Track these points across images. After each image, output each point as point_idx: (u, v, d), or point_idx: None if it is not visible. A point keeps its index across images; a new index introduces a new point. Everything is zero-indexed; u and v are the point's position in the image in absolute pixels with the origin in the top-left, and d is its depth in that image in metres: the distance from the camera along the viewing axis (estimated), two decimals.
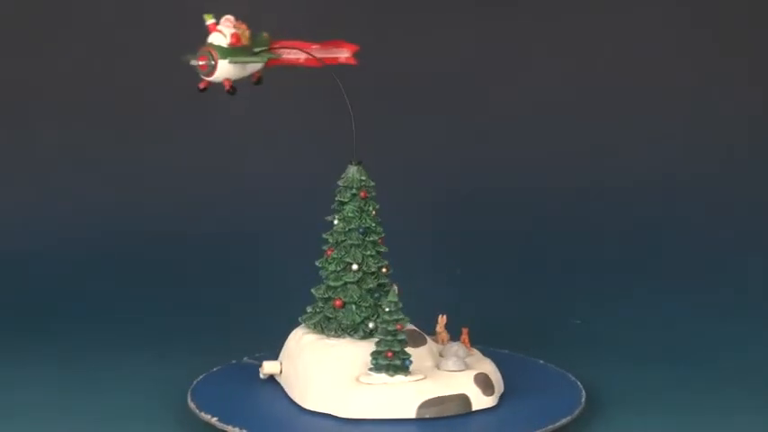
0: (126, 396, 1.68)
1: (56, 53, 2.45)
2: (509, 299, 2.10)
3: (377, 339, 1.52)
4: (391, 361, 1.51)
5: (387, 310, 1.51)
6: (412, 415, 1.50)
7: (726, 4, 2.48)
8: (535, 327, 2.00)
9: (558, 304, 2.13)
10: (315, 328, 1.60)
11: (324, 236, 1.61)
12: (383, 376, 1.51)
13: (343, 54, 1.60)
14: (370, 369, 1.52)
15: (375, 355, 1.52)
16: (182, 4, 2.48)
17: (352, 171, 1.61)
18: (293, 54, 1.60)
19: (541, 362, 1.73)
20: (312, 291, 1.61)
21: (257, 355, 1.70)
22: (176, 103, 2.43)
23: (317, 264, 1.61)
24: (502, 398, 1.57)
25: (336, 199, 1.61)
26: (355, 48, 1.60)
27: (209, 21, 1.55)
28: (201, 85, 1.58)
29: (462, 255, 2.20)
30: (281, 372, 1.61)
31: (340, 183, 1.61)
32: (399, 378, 1.52)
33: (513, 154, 2.43)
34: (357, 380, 1.52)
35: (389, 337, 1.51)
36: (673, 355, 1.88)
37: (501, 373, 1.60)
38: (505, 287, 2.15)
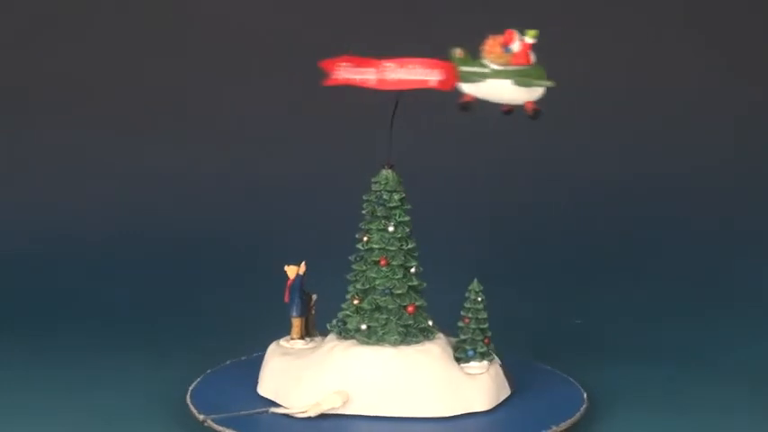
0: (126, 396, 1.68)
1: (56, 53, 2.45)
2: (509, 299, 2.10)
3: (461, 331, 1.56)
4: (488, 347, 1.56)
5: (480, 300, 1.56)
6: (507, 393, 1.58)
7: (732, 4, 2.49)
8: (535, 327, 2.01)
9: (558, 305, 2.14)
10: (372, 338, 1.55)
11: (373, 245, 1.55)
12: (483, 364, 1.56)
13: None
14: (461, 359, 1.55)
15: (471, 344, 1.55)
16: (182, 4, 2.49)
17: (390, 175, 1.57)
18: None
19: (548, 367, 1.73)
20: (365, 305, 1.56)
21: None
22: (176, 103, 2.43)
23: (372, 275, 1.55)
24: (504, 400, 1.57)
25: (387, 205, 1.56)
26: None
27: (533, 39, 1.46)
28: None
29: (462, 255, 2.20)
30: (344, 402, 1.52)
31: (380, 187, 1.56)
32: (476, 364, 1.57)
33: (513, 154, 2.44)
34: (465, 373, 1.55)
35: (482, 326, 1.56)
36: (672, 356, 1.89)
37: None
38: (505, 287, 2.15)
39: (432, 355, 1.54)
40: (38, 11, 2.45)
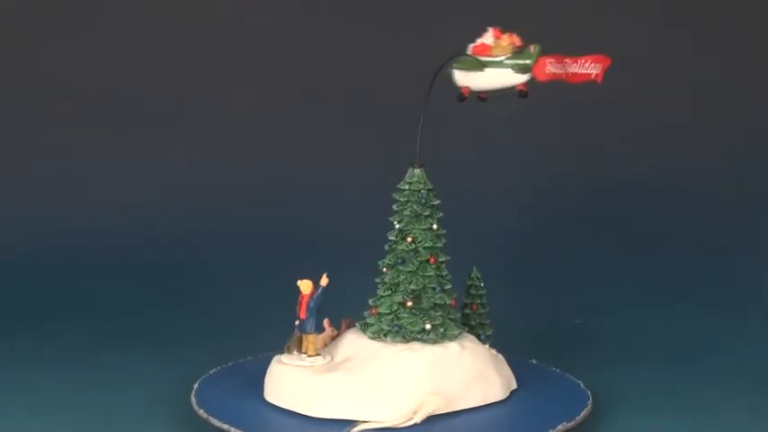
0: (126, 396, 1.68)
1: (56, 53, 2.45)
2: (509, 299, 2.10)
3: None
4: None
5: (482, 286, 1.64)
6: None
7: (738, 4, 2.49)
8: (535, 327, 2.01)
9: (558, 305, 2.14)
10: (438, 336, 1.55)
11: (420, 245, 1.54)
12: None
13: (595, 70, 1.56)
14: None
15: (481, 329, 1.62)
16: (182, 5, 2.49)
17: (421, 174, 1.56)
18: (554, 68, 1.56)
19: (556, 369, 1.73)
20: (424, 304, 1.54)
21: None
22: (177, 102, 2.43)
23: (423, 275, 1.54)
24: (507, 401, 1.57)
25: (431, 204, 1.55)
26: (608, 61, 1.56)
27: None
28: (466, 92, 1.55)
29: (462, 255, 2.20)
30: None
31: (419, 187, 1.55)
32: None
33: (513, 153, 2.44)
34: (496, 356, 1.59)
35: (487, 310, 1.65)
36: (673, 356, 1.89)
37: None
38: (505, 288, 2.15)
39: (481, 344, 1.59)
40: (38, 11, 2.45)
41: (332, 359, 1.56)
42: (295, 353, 1.56)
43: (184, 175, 2.43)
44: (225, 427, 1.47)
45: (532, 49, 1.54)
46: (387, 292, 1.56)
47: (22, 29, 2.44)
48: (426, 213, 1.55)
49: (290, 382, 1.52)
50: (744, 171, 2.45)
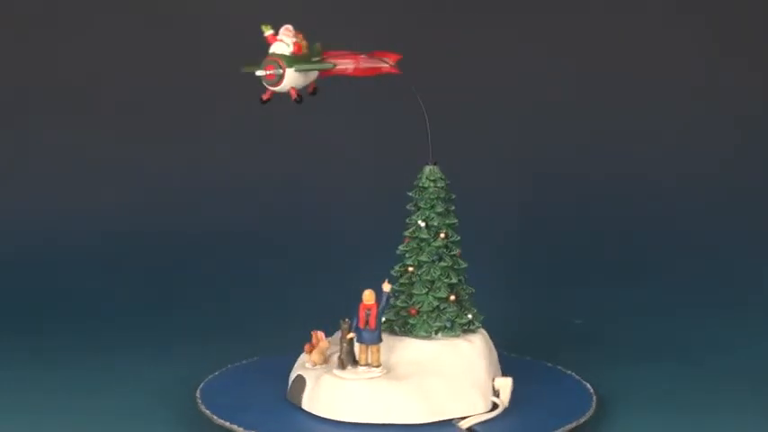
0: (127, 397, 1.68)
1: (56, 53, 2.45)
2: (508, 300, 2.10)
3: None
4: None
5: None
6: None
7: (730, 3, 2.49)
8: (535, 328, 2.00)
9: (558, 305, 2.14)
10: (479, 325, 1.60)
11: (450, 241, 1.57)
12: None
13: (386, 64, 1.57)
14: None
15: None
16: (182, 5, 2.49)
17: (439, 170, 1.58)
18: (344, 64, 1.57)
19: (553, 366, 1.74)
20: (464, 297, 1.58)
21: None
22: (177, 102, 2.43)
23: (458, 269, 1.57)
24: (511, 399, 1.57)
25: (451, 198, 1.57)
26: (398, 56, 1.57)
27: (268, 32, 1.54)
28: (265, 96, 1.55)
29: (461, 254, 2.20)
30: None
31: (443, 183, 1.57)
32: None
33: (513, 153, 2.44)
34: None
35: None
36: (673, 356, 1.89)
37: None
38: (505, 288, 2.15)
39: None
40: (38, 11, 2.45)
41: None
42: (350, 366, 1.52)
43: (185, 174, 2.43)
44: (235, 428, 1.47)
45: (318, 45, 1.57)
46: (423, 290, 1.56)
47: (22, 29, 2.44)
48: (452, 208, 1.57)
49: (368, 395, 1.49)
50: (745, 171, 2.45)
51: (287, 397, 1.56)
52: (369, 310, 1.50)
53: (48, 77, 2.43)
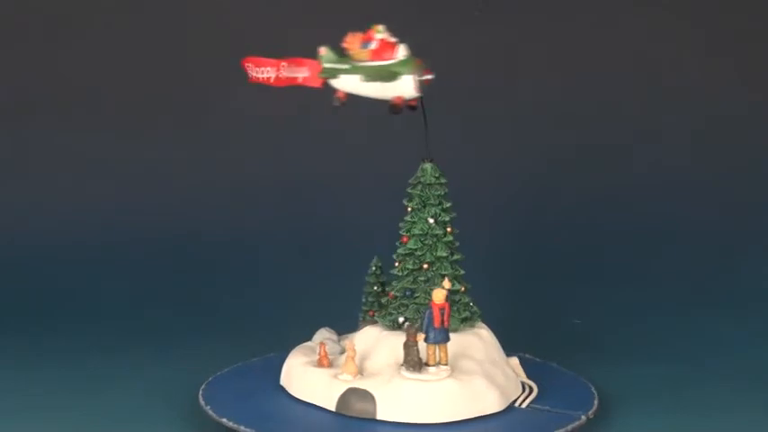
0: (128, 397, 1.68)
1: (56, 52, 2.44)
2: (508, 300, 2.10)
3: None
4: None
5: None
6: None
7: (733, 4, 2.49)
8: (535, 328, 2.01)
9: (558, 305, 2.14)
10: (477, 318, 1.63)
11: (456, 233, 1.59)
12: None
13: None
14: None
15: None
16: (182, 5, 2.49)
17: (436, 167, 1.59)
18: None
19: (553, 366, 1.74)
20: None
21: None
22: (177, 101, 2.43)
23: (460, 261, 1.60)
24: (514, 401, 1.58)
25: (445, 193, 1.59)
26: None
27: (381, 35, 1.50)
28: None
29: (461, 254, 2.20)
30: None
31: (444, 180, 1.58)
32: None
33: (513, 153, 2.44)
34: None
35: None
36: (674, 356, 1.89)
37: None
38: (505, 288, 2.15)
39: None
40: (38, 10, 2.45)
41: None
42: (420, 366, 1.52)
43: (186, 174, 2.42)
44: (239, 427, 1.47)
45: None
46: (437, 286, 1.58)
47: (21, 28, 2.44)
48: (450, 204, 1.60)
49: (458, 392, 1.51)
50: (745, 170, 2.45)
51: (338, 411, 1.52)
52: (443, 308, 1.51)
53: (48, 77, 2.43)
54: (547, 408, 1.54)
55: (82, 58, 2.44)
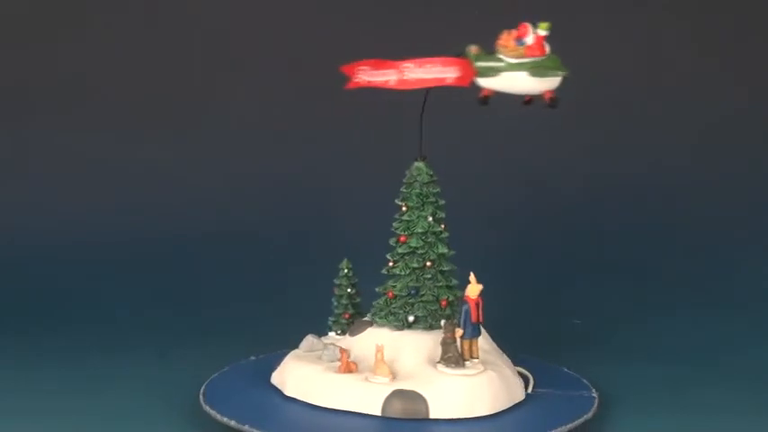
0: (128, 397, 1.68)
1: (57, 52, 2.44)
2: (508, 300, 2.10)
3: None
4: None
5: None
6: None
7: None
8: (535, 328, 2.00)
9: (558, 305, 2.14)
10: None
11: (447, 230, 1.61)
12: None
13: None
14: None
15: None
16: (182, 4, 2.49)
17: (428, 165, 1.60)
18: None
19: (553, 366, 1.74)
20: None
21: None
22: (177, 101, 2.43)
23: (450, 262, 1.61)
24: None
25: (439, 191, 1.60)
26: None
27: (545, 32, 1.51)
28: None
29: (461, 254, 2.20)
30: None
31: (435, 178, 1.59)
32: None
33: (513, 152, 2.44)
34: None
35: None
36: (674, 356, 1.89)
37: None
38: (505, 288, 2.15)
39: None
40: (38, 10, 2.45)
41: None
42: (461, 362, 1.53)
43: (185, 174, 2.43)
44: (243, 427, 1.47)
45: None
46: (440, 283, 1.60)
47: (21, 28, 2.44)
48: (442, 202, 1.61)
49: (498, 384, 1.53)
50: (746, 171, 2.45)
51: (384, 414, 1.49)
52: (477, 303, 1.53)
53: (48, 77, 2.43)
54: (559, 391, 1.59)
55: (82, 58, 2.44)
